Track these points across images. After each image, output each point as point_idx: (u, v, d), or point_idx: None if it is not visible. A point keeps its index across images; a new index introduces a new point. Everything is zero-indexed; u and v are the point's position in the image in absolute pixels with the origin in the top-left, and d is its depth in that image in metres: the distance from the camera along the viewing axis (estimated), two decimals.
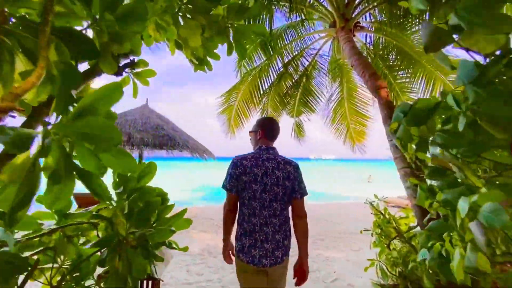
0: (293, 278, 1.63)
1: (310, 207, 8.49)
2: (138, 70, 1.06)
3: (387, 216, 2.26)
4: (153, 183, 1.06)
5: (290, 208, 1.68)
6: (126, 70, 1.03)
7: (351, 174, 35.45)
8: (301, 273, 1.61)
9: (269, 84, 6.06)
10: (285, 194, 1.60)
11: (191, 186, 18.91)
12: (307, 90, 6.02)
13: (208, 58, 1.21)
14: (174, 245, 1.08)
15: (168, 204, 1.09)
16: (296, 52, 5.52)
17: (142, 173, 1.03)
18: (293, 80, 6.00)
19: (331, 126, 6.33)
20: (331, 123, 6.20)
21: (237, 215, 1.69)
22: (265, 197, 1.57)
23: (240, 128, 6.80)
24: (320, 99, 6.15)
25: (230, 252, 1.73)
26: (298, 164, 1.69)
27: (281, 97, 6.29)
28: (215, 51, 1.18)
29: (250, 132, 1.87)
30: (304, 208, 1.65)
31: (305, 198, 1.68)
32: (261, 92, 6.17)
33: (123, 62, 0.99)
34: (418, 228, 2.06)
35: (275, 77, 5.99)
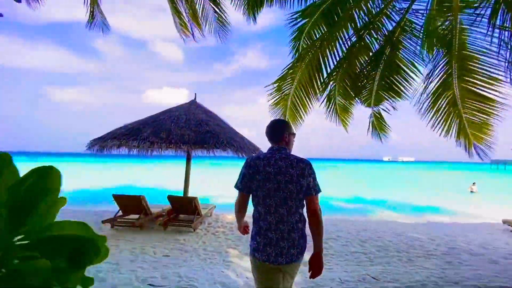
0: (309, 272, 1.66)
1: (420, 228, 6.48)
2: None
3: None
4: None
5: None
6: None
7: (443, 181, 29.26)
8: (316, 267, 1.64)
9: (335, 62, 4.52)
10: (300, 192, 1.62)
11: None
12: (391, 67, 4.22)
13: None
14: None
15: None
16: (377, 9, 3.82)
17: None
18: (371, 54, 4.31)
19: (428, 117, 4.32)
20: (430, 113, 4.19)
21: (252, 213, 1.70)
22: (279, 195, 1.60)
23: (297, 123, 5.42)
24: (412, 80, 4.27)
25: (244, 226, 1.81)
26: (310, 162, 1.70)
27: (353, 79, 4.66)
28: None
29: None
30: (319, 204, 1.68)
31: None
32: (325, 74, 4.66)
33: None
34: None
35: (344, 51, 4.40)
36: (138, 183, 18.33)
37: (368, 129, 5.35)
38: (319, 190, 1.67)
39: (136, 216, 5.48)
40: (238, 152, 5.61)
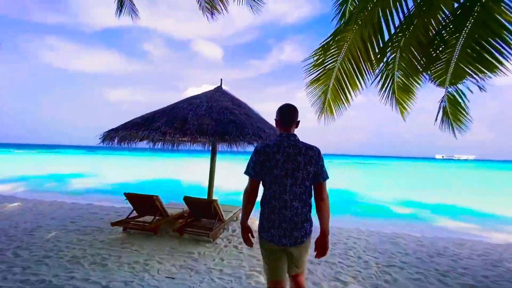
0: (314, 251, 1.81)
1: None
2: None
3: None
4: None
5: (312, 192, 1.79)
6: None
7: None
8: (322, 248, 1.78)
9: (399, 23, 3.20)
10: (306, 179, 1.71)
11: None
12: (487, 25, 2.69)
13: None
14: None
15: None
16: None
17: None
18: (448, 11, 2.85)
19: None
20: None
21: (261, 197, 1.81)
22: (286, 182, 1.69)
23: (341, 107, 4.11)
24: None
25: (250, 235, 1.90)
26: (319, 149, 1.76)
27: (422, 46, 3.29)
28: None
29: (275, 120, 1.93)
30: (327, 191, 1.78)
31: None
32: (382, 42, 3.32)
33: None
34: None
35: (408, 10, 3.04)
36: (163, 177, 18.48)
37: (436, 118, 3.96)
38: (326, 177, 1.77)
39: (152, 217, 4.77)
40: None
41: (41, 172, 19.21)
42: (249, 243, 1.90)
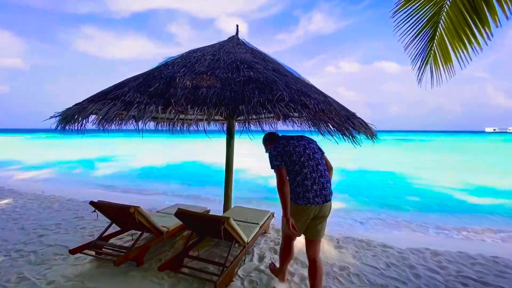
0: None
1: None
2: None
3: None
4: None
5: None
6: None
7: None
8: None
9: None
10: (321, 158, 2.27)
11: None
12: None
13: None
14: None
15: None
16: None
17: None
18: None
19: None
20: None
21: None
22: (312, 164, 2.16)
23: (458, 51, 1.86)
24: None
25: (292, 225, 2.09)
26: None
27: None
28: None
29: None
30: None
31: None
32: None
33: None
34: None
35: None
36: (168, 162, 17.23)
37: None
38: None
39: (139, 233, 3.10)
40: (320, 124, 2.39)
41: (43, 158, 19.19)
42: (294, 231, 2.08)
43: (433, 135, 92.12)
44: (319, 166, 2.18)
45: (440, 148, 33.18)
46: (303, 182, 2.09)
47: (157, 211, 4.27)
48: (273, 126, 4.87)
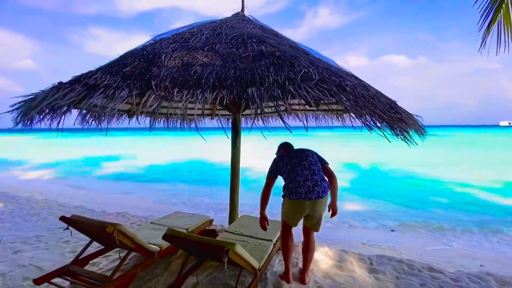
0: (328, 212, 2.31)
1: None
2: None
3: None
4: None
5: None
6: None
7: None
8: (333, 210, 2.28)
9: None
10: (320, 169, 2.33)
11: None
12: None
13: None
14: None
15: None
16: None
17: None
18: None
19: None
20: None
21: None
22: (304, 163, 2.29)
23: None
24: None
25: (266, 222, 2.47)
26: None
27: None
28: None
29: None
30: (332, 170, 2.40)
31: None
32: None
33: None
34: None
35: None
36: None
37: None
38: (326, 162, 2.43)
39: (126, 253, 2.46)
40: (364, 114, 1.65)
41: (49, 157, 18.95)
42: (264, 227, 2.48)
43: (446, 130, 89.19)
44: (312, 166, 2.27)
45: (460, 143, 31.62)
46: (295, 179, 2.23)
47: (151, 222, 3.63)
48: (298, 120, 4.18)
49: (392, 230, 4.87)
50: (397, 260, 3.17)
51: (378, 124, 1.63)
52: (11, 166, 13.89)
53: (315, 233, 2.48)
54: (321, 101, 1.55)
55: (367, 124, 1.58)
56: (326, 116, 4.18)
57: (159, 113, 3.63)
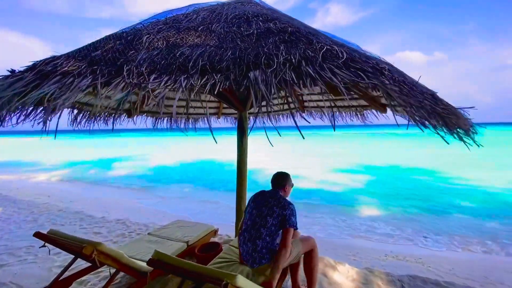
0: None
1: None
2: None
3: None
4: None
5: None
6: None
7: None
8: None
9: None
10: (273, 224, 1.87)
11: None
12: None
13: None
14: None
15: None
16: None
17: None
18: None
19: None
20: None
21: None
22: (258, 221, 1.90)
23: None
24: None
25: None
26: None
27: None
28: None
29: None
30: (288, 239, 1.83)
31: None
32: None
33: None
34: None
35: None
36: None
37: None
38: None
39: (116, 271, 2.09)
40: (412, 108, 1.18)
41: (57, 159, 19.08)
42: None
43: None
44: (262, 229, 1.86)
45: (483, 142, 29.86)
46: (243, 233, 1.97)
47: (149, 233, 3.26)
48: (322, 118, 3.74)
49: (425, 237, 4.42)
50: (434, 282, 2.65)
51: (433, 121, 1.15)
52: (23, 167, 14.04)
53: (314, 250, 2.11)
54: (354, 88, 1.10)
55: (419, 121, 1.11)
56: (344, 113, 3.70)
57: (162, 113, 3.26)
